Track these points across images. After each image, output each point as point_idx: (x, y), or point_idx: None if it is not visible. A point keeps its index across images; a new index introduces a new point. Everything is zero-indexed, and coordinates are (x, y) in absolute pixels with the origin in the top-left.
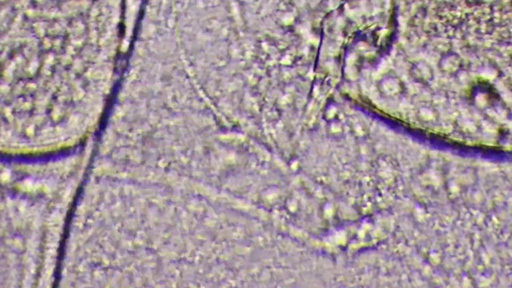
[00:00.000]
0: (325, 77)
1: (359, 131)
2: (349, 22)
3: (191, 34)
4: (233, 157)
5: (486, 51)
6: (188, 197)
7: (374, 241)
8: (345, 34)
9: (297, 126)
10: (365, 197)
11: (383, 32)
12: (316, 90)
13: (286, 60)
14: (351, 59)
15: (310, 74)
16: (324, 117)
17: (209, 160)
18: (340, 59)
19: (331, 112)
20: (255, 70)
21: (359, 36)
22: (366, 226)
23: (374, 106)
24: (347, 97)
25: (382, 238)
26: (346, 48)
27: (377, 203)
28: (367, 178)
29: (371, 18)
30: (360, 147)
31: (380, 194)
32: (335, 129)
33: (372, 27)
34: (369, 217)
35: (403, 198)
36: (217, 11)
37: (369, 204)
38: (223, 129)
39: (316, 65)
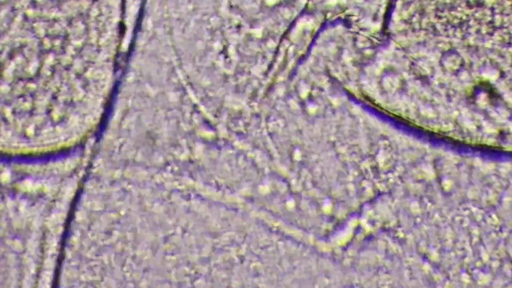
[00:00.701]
0: (290, 46)
1: (336, 104)
2: (338, 5)
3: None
4: (222, 153)
5: (487, 52)
6: (185, 196)
7: (378, 225)
8: (327, 12)
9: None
10: (364, 182)
11: (374, 28)
12: (279, 59)
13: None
14: (351, 56)
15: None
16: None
17: (200, 156)
18: (312, 34)
19: (305, 92)
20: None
21: (339, 20)
22: (369, 212)
23: (376, 103)
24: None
25: (385, 226)
26: (324, 25)
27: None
28: (365, 164)
29: (357, 8)
30: (352, 127)
31: (378, 178)
32: (312, 109)
33: (355, 18)
34: (370, 203)
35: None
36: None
37: (369, 189)
38: (209, 126)
39: (285, 33)
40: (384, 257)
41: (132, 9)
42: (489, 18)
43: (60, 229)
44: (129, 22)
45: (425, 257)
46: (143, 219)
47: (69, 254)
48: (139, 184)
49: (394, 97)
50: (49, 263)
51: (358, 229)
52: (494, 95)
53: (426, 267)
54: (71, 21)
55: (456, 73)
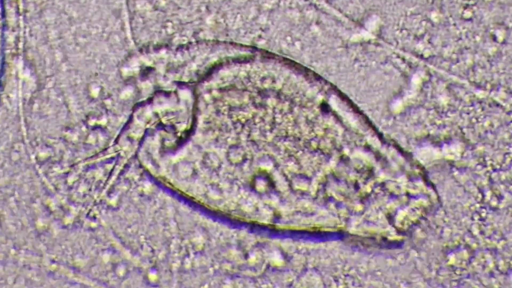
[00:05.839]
0: (120, 150)
1: None
2: (155, 114)
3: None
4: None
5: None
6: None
7: None
8: (148, 122)
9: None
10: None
11: (183, 127)
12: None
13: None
14: (154, 143)
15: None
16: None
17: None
18: (138, 140)
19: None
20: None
21: (160, 125)
22: None
23: (171, 184)
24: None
25: None
26: (146, 132)
27: None
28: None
29: (173, 113)
30: None
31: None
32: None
33: (173, 121)
34: None
35: None
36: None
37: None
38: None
39: (116, 140)
40: None
41: None
42: (270, 117)
43: None
44: None
45: None
46: None
47: None
48: None
49: (187, 180)
50: None
51: None
52: (270, 183)
53: None
54: None
55: (240, 163)
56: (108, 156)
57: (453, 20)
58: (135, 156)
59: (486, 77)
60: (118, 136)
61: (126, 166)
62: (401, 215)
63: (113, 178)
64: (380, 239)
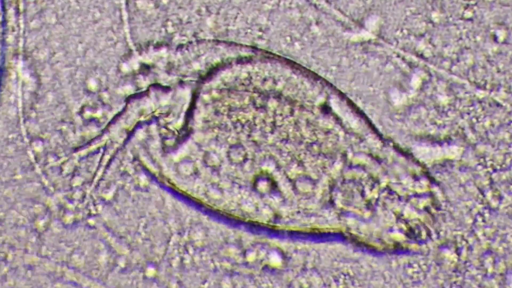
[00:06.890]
0: (109, 141)
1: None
2: (149, 108)
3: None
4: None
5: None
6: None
7: None
8: (141, 114)
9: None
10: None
11: (178, 124)
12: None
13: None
14: (154, 143)
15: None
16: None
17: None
18: (128, 131)
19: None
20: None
21: (154, 119)
22: None
23: (173, 184)
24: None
25: None
26: (138, 125)
27: None
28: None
29: (166, 107)
30: None
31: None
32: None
33: (165, 116)
34: None
35: None
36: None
37: None
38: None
39: (105, 129)
40: None
41: None
42: (271, 119)
43: None
44: None
45: None
46: None
47: None
48: None
49: (188, 179)
50: None
51: None
52: (272, 183)
53: None
54: None
55: (241, 163)
56: (100, 144)
57: (454, 20)
58: (131, 151)
59: (487, 77)
60: (108, 125)
61: (114, 157)
62: (412, 217)
63: (102, 169)
64: (392, 244)
